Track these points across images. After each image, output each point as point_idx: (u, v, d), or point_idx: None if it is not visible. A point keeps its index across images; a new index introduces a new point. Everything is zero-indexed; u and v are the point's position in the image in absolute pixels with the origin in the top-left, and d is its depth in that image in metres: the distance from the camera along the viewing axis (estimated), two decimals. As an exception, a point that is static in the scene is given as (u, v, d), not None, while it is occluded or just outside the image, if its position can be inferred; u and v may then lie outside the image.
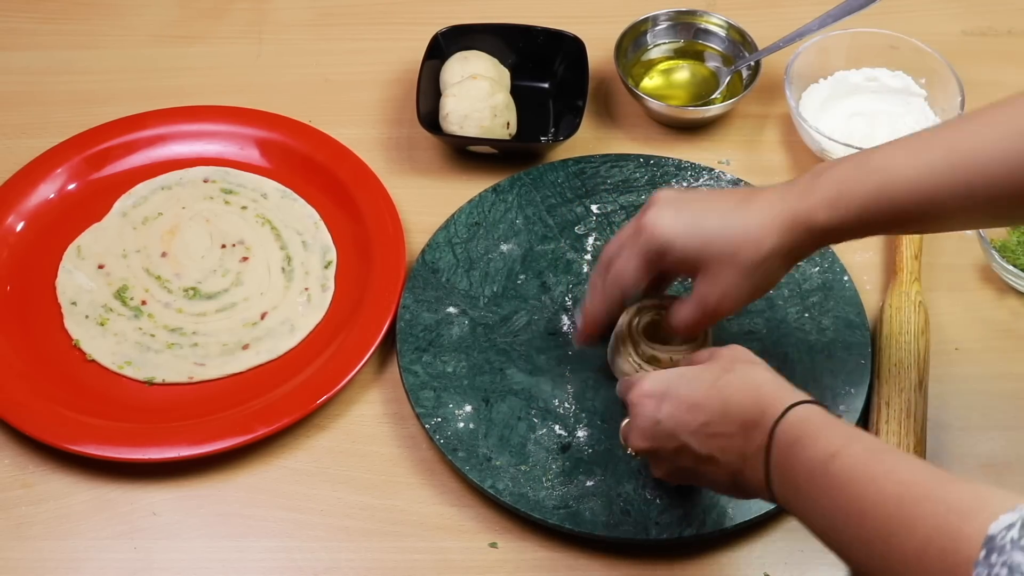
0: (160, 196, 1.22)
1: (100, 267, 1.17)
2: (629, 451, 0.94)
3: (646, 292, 1.01)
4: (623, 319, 1.02)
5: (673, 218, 0.93)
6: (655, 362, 1.00)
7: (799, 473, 0.80)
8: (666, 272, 0.99)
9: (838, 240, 0.93)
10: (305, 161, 1.23)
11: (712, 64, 1.32)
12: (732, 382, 0.87)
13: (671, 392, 0.89)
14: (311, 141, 1.24)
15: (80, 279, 1.16)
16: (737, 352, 0.90)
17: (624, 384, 0.96)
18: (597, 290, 0.99)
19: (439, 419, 1.04)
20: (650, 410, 0.89)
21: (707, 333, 1.02)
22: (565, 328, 1.11)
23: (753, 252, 0.91)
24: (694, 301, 0.95)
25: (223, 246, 1.19)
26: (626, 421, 0.94)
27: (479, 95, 1.22)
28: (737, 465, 0.85)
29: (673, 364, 0.98)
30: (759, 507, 0.98)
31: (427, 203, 1.21)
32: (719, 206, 0.93)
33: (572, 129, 1.22)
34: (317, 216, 1.21)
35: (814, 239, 0.91)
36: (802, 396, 0.84)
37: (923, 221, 0.91)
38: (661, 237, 0.93)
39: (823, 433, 0.80)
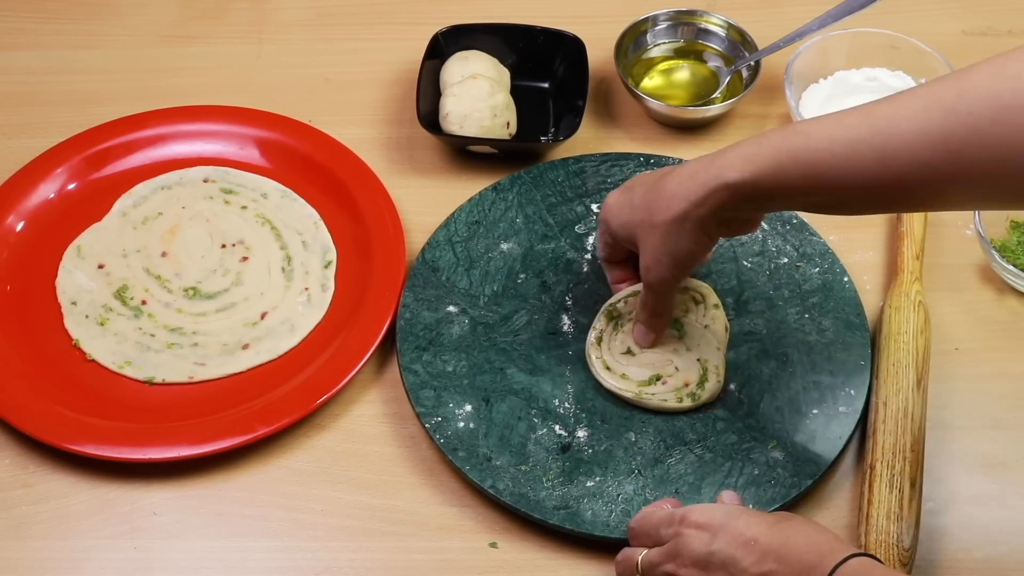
0: (160, 196, 1.22)
1: (100, 267, 1.17)
2: None
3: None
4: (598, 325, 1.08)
5: (614, 197, 1.00)
6: (630, 354, 1.05)
7: None
8: (628, 247, 1.02)
9: (759, 205, 0.91)
10: (305, 161, 1.23)
11: (712, 64, 1.32)
12: (793, 526, 0.86)
13: (727, 526, 0.87)
14: (311, 141, 1.24)
15: (80, 279, 1.16)
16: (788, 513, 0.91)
17: (653, 518, 0.92)
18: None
19: (439, 419, 1.04)
20: (704, 541, 0.87)
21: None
22: (565, 328, 1.11)
23: (664, 212, 0.93)
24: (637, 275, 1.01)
25: (223, 246, 1.19)
26: (644, 552, 0.91)
27: (479, 95, 1.22)
28: None
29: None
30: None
31: (427, 203, 1.21)
32: (650, 180, 0.97)
33: (572, 129, 1.22)
34: (317, 216, 1.21)
35: (729, 199, 0.89)
36: (858, 549, 0.84)
37: (840, 192, 0.87)
38: (604, 214, 1.01)
39: None
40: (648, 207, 0.95)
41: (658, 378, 1.04)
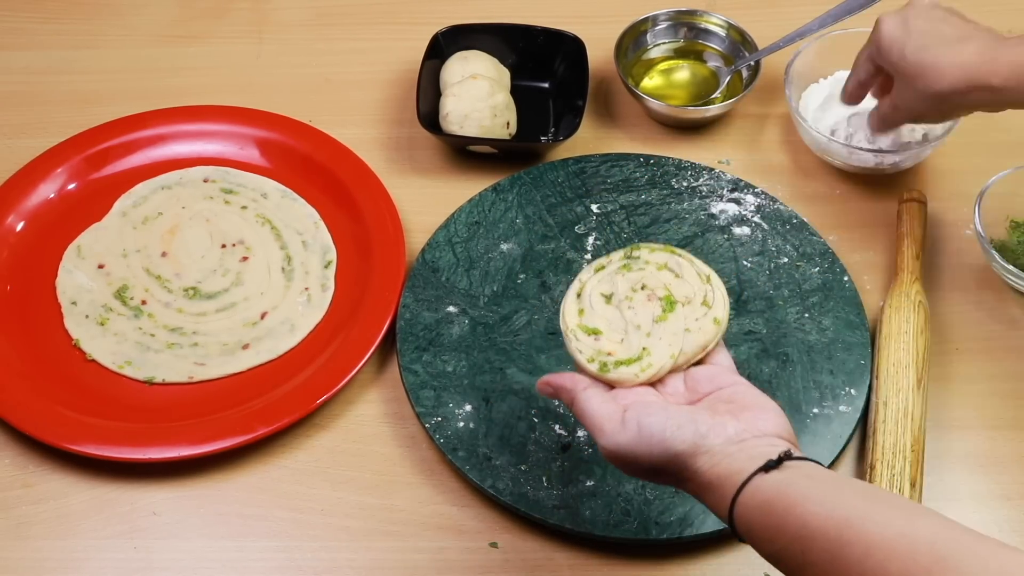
0: (160, 196, 1.22)
1: (100, 267, 1.17)
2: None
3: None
4: (585, 275, 0.94)
5: (893, 25, 1.08)
6: (605, 300, 0.92)
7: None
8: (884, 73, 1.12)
9: (1013, 104, 1.03)
10: (305, 161, 1.23)
11: (712, 64, 1.32)
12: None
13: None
14: (311, 141, 1.24)
15: (80, 279, 1.16)
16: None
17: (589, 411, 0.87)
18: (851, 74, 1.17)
19: (439, 419, 1.04)
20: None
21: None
22: (565, 328, 1.11)
23: (928, 84, 1.04)
24: (890, 95, 1.11)
25: (223, 246, 1.19)
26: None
27: (479, 95, 1.22)
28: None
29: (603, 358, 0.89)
30: (759, 507, 0.98)
31: (427, 203, 1.21)
32: (933, 32, 1.06)
33: (572, 129, 1.22)
34: (317, 216, 1.21)
35: (987, 98, 1.03)
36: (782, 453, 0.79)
37: None
38: (879, 36, 1.09)
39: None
40: (914, 66, 1.05)
41: (596, 333, 0.90)
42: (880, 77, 1.13)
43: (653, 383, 0.88)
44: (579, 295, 0.92)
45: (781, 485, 0.77)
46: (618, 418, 0.84)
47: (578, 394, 0.87)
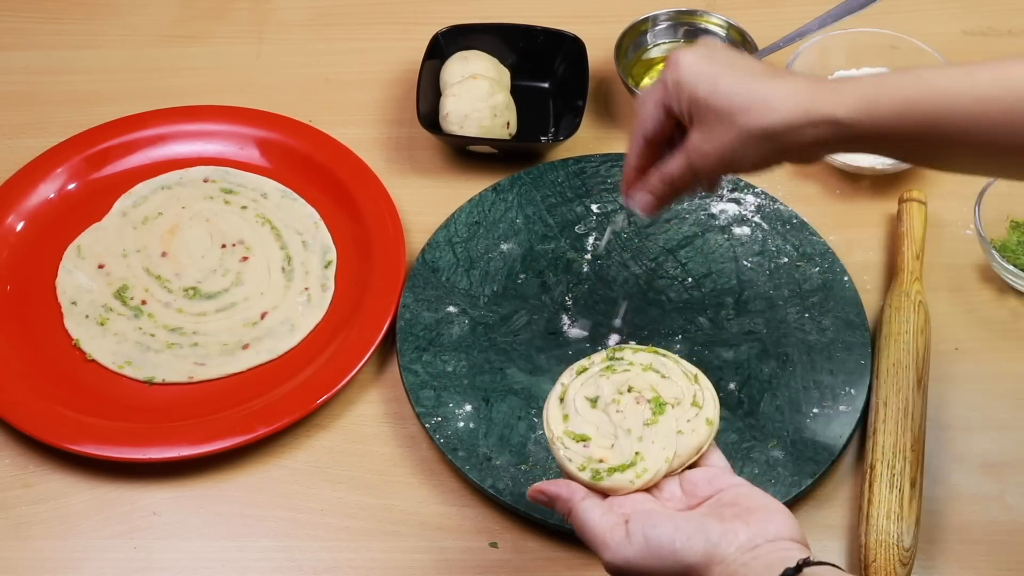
0: (160, 196, 1.22)
1: (100, 267, 1.17)
2: None
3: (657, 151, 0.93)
4: (567, 378, 0.90)
5: (696, 59, 0.87)
6: (591, 403, 0.89)
7: None
8: (680, 119, 0.90)
9: (849, 146, 0.86)
10: (305, 161, 1.23)
11: (712, 64, 1.32)
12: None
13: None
14: (311, 141, 1.24)
15: (80, 279, 1.16)
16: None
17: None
18: (630, 138, 0.93)
19: (439, 418, 1.04)
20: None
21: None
22: (565, 328, 1.11)
23: (755, 119, 0.85)
24: (683, 149, 0.89)
25: (223, 246, 1.19)
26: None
27: (479, 95, 1.22)
28: None
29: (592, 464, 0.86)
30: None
31: (427, 203, 1.21)
32: (746, 66, 0.87)
33: (572, 129, 1.22)
34: (317, 216, 1.21)
35: (829, 135, 0.84)
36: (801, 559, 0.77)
37: (954, 147, 0.83)
38: (678, 70, 0.87)
39: None
40: (734, 99, 0.85)
41: (585, 439, 0.86)
42: (669, 129, 0.91)
43: (649, 489, 0.84)
44: (562, 399, 0.89)
45: None
46: (621, 531, 0.80)
47: (576, 505, 0.82)
